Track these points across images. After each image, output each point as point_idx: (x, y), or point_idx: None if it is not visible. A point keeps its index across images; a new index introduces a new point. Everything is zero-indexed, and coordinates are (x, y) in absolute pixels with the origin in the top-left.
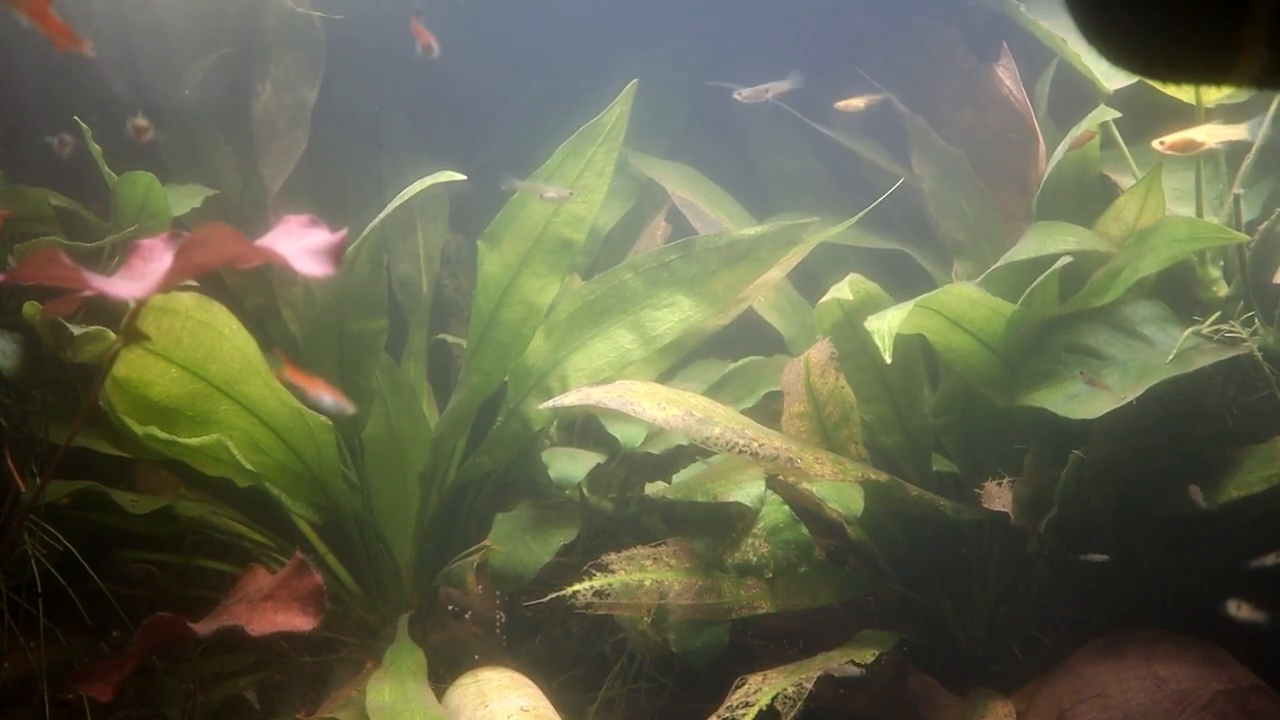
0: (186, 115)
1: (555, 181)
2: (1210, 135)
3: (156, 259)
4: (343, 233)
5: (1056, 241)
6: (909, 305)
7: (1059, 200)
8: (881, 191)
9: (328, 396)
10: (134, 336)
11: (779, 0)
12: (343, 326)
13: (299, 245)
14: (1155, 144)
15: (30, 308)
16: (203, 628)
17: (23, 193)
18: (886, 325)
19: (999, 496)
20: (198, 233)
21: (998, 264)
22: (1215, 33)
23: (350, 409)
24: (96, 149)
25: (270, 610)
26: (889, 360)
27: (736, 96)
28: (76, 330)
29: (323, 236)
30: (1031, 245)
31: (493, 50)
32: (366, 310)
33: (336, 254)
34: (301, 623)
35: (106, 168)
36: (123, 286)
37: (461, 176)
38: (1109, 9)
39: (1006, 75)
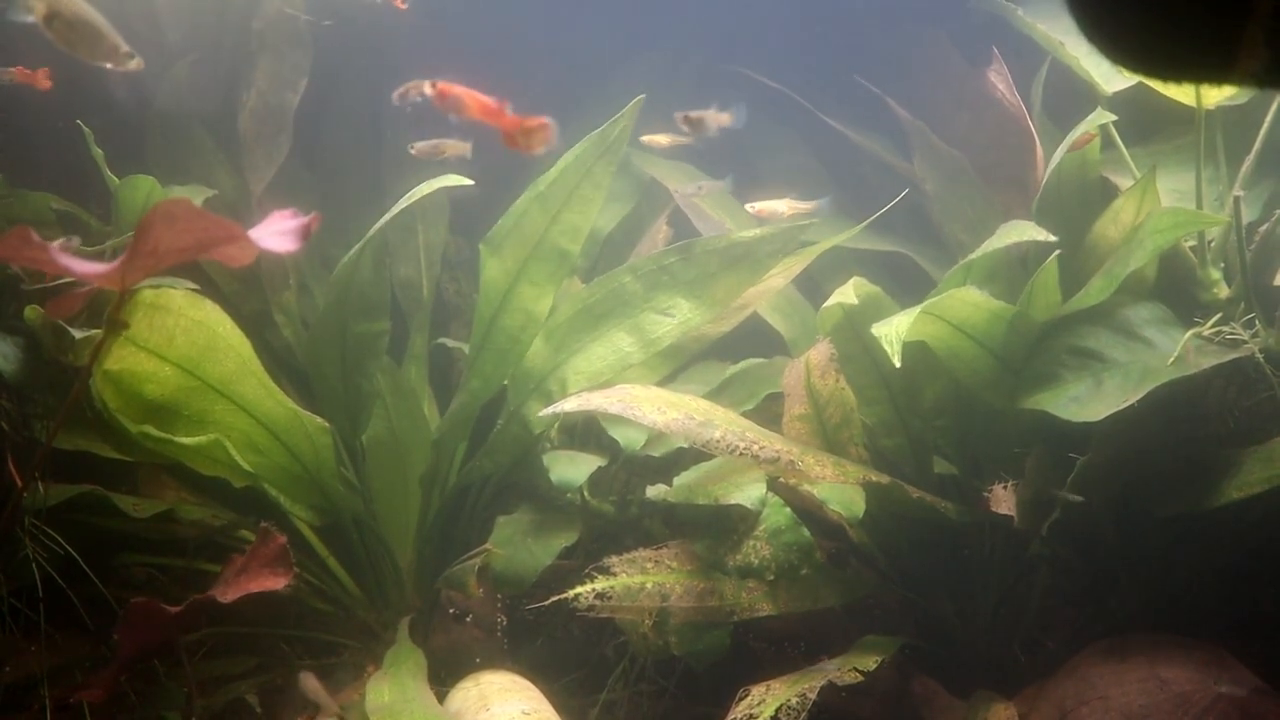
0: (180, 119)
1: (554, 190)
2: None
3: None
4: (313, 215)
5: (1006, 238)
6: (915, 311)
7: (1060, 203)
8: (881, 190)
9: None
10: (117, 326)
11: (779, 3)
12: (345, 328)
13: (269, 228)
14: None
15: (32, 311)
16: (176, 608)
17: (24, 196)
18: (894, 331)
19: (1004, 500)
20: (160, 205)
21: (963, 261)
22: (1217, 32)
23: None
24: (98, 152)
25: (243, 581)
26: (898, 365)
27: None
28: (78, 334)
29: (293, 220)
30: (988, 243)
31: (493, 52)
32: (369, 312)
33: (303, 234)
34: (272, 583)
35: (108, 171)
36: (91, 266)
37: (468, 181)
38: (1111, 9)
39: (999, 79)
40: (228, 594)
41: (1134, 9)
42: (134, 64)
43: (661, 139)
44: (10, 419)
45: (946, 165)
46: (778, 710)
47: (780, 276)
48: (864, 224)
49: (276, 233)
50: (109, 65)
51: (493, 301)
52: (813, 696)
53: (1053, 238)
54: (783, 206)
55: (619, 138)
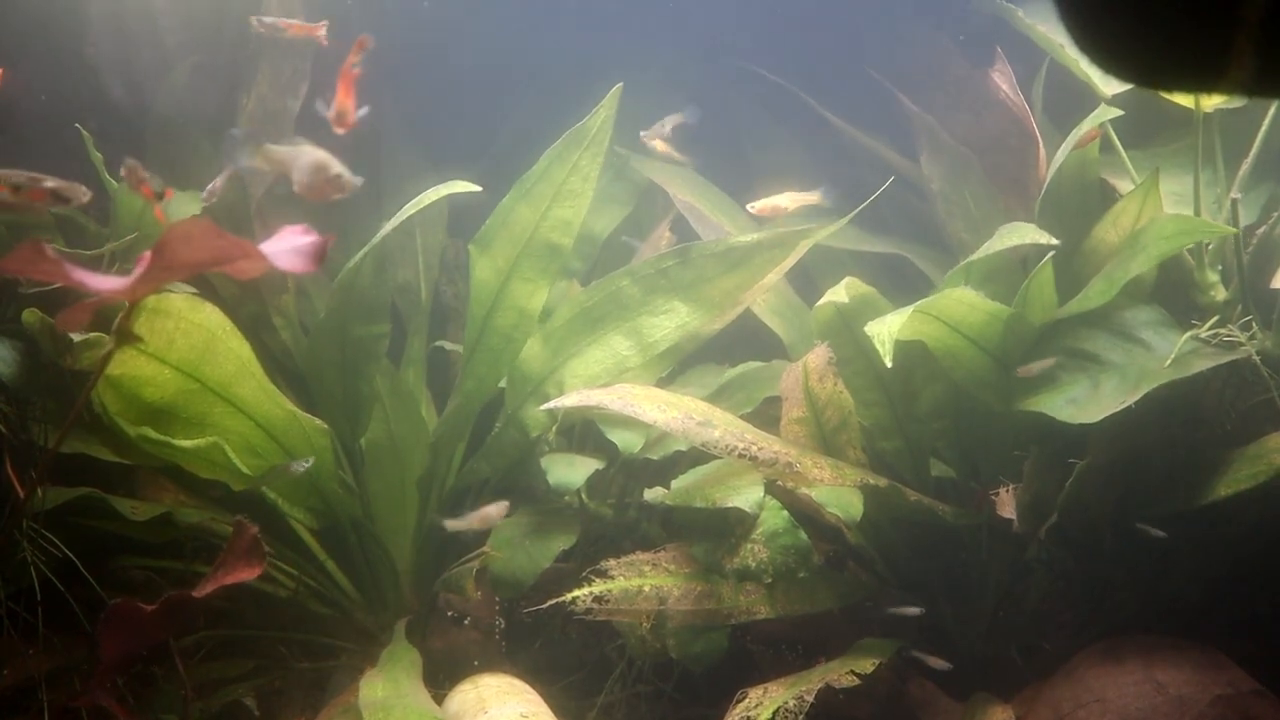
0: (180, 123)
1: (541, 186)
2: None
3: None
4: (330, 235)
5: (1006, 240)
6: (908, 310)
7: (1059, 204)
8: (879, 193)
9: None
10: (126, 337)
11: (777, 5)
12: (345, 332)
13: (282, 245)
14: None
15: (30, 315)
16: (151, 605)
17: None
18: (887, 330)
19: (1007, 504)
20: (177, 226)
21: (962, 262)
22: (1206, 42)
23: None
24: (98, 156)
25: (220, 575)
26: (889, 364)
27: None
28: (76, 337)
29: (308, 238)
30: (987, 245)
31: (491, 56)
32: (369, 315)
33: (318, 254)
34: (247, 574)
35: (107, 175)
36: (105, 281)
37: (475, 188)
38: (1101, 19)
39: (1003, 80)
40: (204, 589)
41: (1124, 19)
42: (356, 182)
43: (660, 144)
44: (8, 422)
45: (953, 161)
46: (775, 713)
47: (774, 272)
48: (853, 214)
49: (290, 251)
50: (339, 196)
51: (484, 302)
52: (810, 699)
53: (1055, 241)
54: (785, 201)
55: (601, 128)
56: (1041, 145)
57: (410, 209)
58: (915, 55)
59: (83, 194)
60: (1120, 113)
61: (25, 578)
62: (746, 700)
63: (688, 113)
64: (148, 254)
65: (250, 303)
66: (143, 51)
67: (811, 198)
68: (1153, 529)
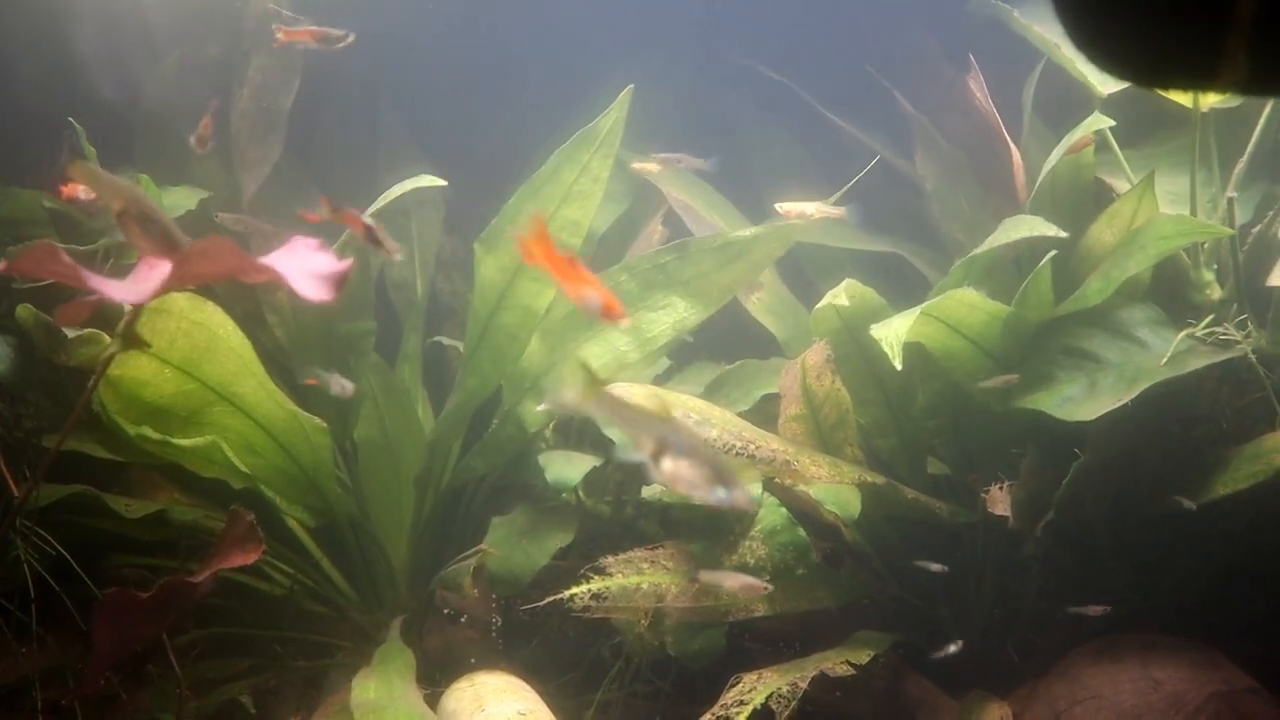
0: (170, 117)
1: (550, 188)
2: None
3: (161, 268)
4: (348, 261)
5: (1012, 233)
6: (915, 312)
7: (1055, 204)
8: (876, 192)
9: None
10: (133, 342)
11: (775, 5)
12: (330, 328)
13: (302, 266)
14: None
15: (24, 311)
16: (146, 592)
17: (16, 194)
18: (894, 333)
19: (1000, 501)
20: (199, 244)
21: (965, 257)
22: (1199, 42)
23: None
24: (91, 151)
25: (215, 561)
26: (899, 367)
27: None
28: (71, 333)
29: (327, 261)
30: (993, 238)
31: (490, 52)
32: (353, 311)
33: (339, 281)
34: (242, 559)
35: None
36: (120, 289)
37: (441, 182)
38: (1097, 18)
39: (975, 88)
40: (200, 575)
41: (1119, 16)
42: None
43: (651, 166)
44: (2, 419)
45: (947, 162)
46: (768, 698)
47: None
48: (841, 191)
49: (310, 276)
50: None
51: (489, 300)
52: (804, 685)
53: (1063, 234)
54: (811, 209)
55: (612, 130)
56: (1015, 151)
57: (382, 202)
58: (911, 55)
59: (394, 250)
60: (1112, 122)
61: (19, 576)
62: (740, 684)
63: (710, 162)
64: (166, 265)
65: (244, 299)
66: (135, 49)
67: (836, 212)
68: (1185, 501)
